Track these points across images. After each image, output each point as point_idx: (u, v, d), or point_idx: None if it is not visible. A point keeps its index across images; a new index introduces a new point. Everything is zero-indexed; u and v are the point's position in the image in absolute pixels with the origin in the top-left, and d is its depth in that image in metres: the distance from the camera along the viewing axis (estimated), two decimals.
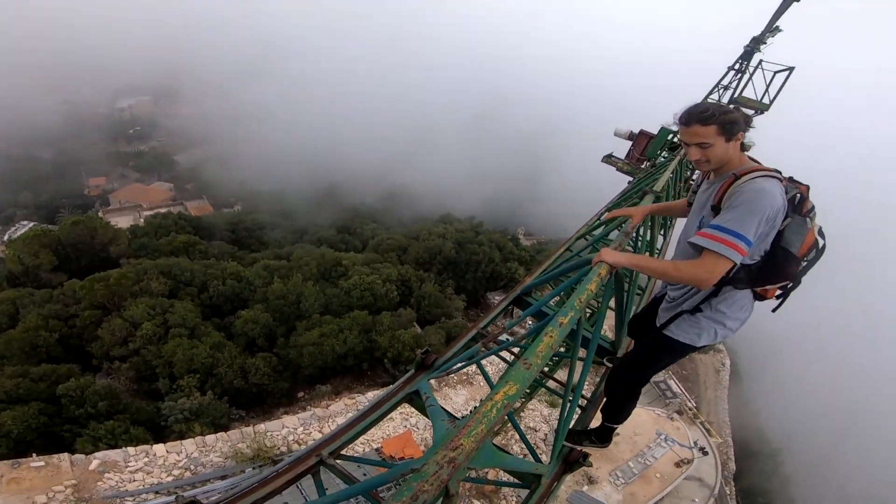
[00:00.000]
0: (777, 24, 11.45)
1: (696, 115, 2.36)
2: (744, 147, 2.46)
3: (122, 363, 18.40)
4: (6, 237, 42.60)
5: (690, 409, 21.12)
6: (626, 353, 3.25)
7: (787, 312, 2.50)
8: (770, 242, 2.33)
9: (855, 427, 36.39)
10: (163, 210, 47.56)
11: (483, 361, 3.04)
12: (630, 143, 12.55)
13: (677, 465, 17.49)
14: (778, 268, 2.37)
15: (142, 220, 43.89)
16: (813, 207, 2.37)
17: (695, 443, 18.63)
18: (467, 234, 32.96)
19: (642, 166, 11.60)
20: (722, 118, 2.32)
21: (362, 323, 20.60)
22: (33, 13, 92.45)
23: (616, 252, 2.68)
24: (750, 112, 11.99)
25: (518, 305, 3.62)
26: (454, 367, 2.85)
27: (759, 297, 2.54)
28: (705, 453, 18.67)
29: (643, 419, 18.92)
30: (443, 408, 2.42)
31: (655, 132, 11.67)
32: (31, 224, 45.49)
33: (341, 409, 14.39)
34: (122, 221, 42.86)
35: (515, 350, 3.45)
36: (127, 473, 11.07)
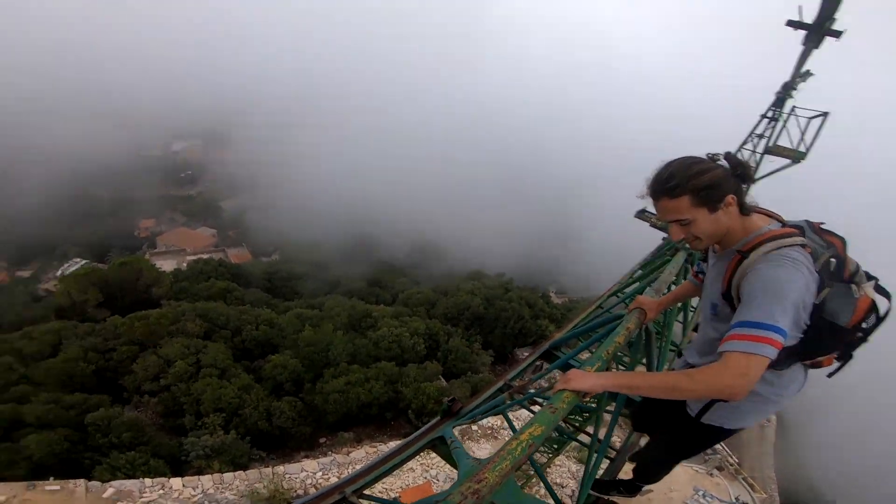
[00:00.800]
0: (807, 68, 10.91)
1: (660, 188, 1.83)
2: (746, 209, 1.87)
3: (151, 397, 18.81)
4: (59, 272, 45.17)
5: (732, 465, 19.67)
6: (653, 441, 2.98)
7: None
8: (809, 316, 1.79)
9: None
10: (205, 256, 49.95)
11: (509, 415, 3.05)
12: None
13: None
14: (825, 342, 1.89)
15: (185, 264, 45.69)
16: (858, 268, 1.87)
17: (736, 498, 17.22)
18: (496, 291, 32.77)
19: None
20: (693, 184, 1.76)
21: (388, 374, 20.49)
22: (103, 62, 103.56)
23: (587, 374, 1.95)
24: (784, 159, 11.42)
25: (547, 360, 3.64)
26: (479, 416, 2.88)
27: (814, 365, 2.06)
28: None
29: (679, 475, 17.70)
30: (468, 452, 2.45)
31: None
32: (83, 262, 48.25)
33: (362, 456, 14.15)
34: (167, 264, 44.73)
35: (543, 402, 3.42)
36: None
